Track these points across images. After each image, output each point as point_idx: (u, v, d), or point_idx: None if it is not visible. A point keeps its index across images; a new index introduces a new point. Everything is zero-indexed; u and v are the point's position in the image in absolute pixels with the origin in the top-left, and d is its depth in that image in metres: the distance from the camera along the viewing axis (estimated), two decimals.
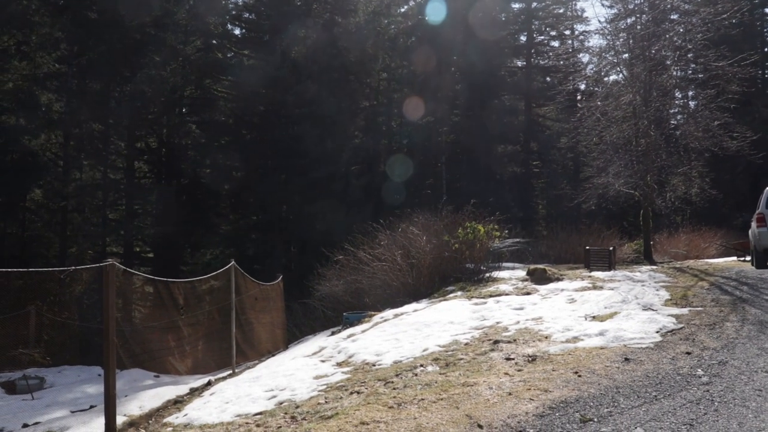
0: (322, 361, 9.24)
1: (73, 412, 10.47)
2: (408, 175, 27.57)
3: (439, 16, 33.27)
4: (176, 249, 27.52)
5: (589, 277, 13.40)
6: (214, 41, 32.91)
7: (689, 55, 18.86)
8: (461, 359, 7.10)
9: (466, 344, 8.00)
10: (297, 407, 6.40)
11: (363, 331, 10.75)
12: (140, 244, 28.76)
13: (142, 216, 28.46)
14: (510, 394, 5.44)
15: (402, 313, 11.47)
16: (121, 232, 26.86)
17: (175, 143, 29.05)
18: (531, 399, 5.24)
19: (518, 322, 8.95)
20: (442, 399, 5.45)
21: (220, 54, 32.72)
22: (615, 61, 19.20)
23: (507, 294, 11.65)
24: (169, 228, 25.73)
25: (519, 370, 6.26)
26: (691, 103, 30.81)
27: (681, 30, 18.57)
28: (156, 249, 28.11)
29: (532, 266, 14.43)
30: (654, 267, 15.68)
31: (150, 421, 8.48)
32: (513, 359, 6.75)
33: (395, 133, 37.18)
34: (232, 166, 29.75)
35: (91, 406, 10.60)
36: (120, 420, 8.15)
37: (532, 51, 38.04)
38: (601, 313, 9.11)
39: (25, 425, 9.72)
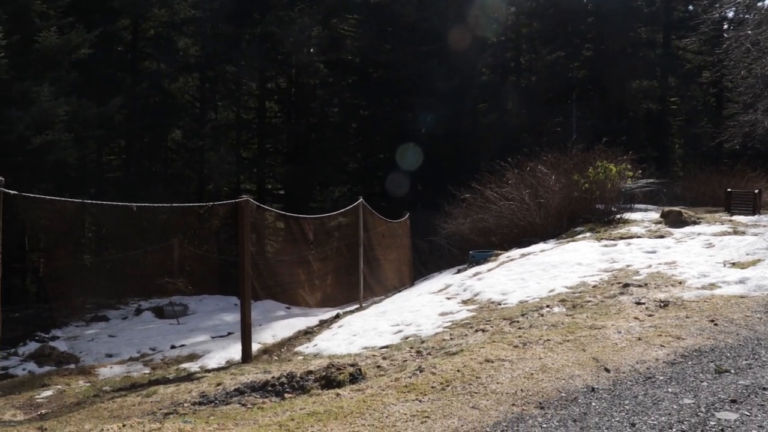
0: (448, 299, 9.33)
1: (213, 337, 11.21)
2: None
3: None
4: (306, 186, 28.29)
5: (730, 221, 12.61)
6: None
7: None
8: (589, 301, 6.94)
9: (594, 286, 7.80)
10: (422, 342, 6.52)
11: (489, 270, 10.73)
12: (272, 181, 29.80)
13: (274, 154, 29.42)
14: (639, 339, 5.27)
15: (529, 253, 11.33)
16: (254, 170, 27.89)
17: (303, 83, 29.56)
18: (662, 345, 5.05)
19: (650, 266, 8.59)
20: (568, 341, 5.37)
21: None
22: None
23: (638, 236, 11.19)
24: (299, 166, 26.50)
25: (649, 315, 6.04)
26: None
27: None
28: (287, 186, 29.04)
29: (667, 208, 13.74)
30: None
31: (282, 350, 8.92)
32: (643, 304, 6.51)
33: (524, 69, 36.08)
34: (360, 104, 30.03)
35: (229, 333, 11.29)
36: (255, 347, 8.63)
37: None
38: (742, 259, 8.55)
39: (173, 346, 10.52)
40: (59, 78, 15.38)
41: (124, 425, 4.27)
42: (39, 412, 6.03)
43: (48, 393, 7.04)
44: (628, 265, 8.80)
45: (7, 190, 5.87)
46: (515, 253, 11.95)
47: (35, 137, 13.74)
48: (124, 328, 12.82)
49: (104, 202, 8.67)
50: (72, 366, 9.72)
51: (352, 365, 5.40)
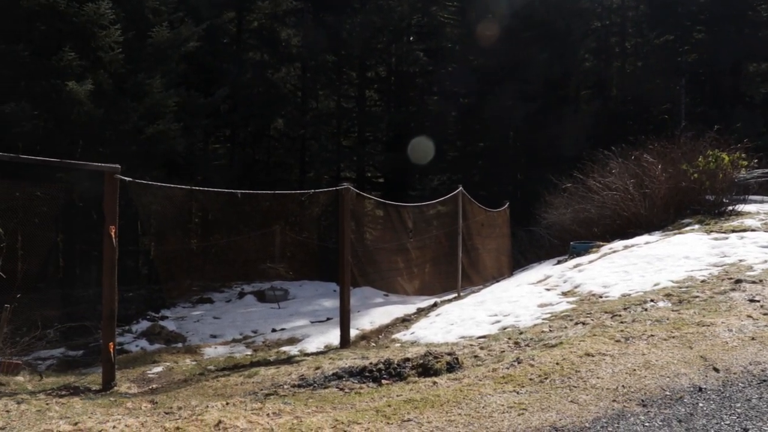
0: (547, 290, 9.14)
1: (312, 322, 11.45)
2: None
3: None
4: (405, 174, 28.38)
5: None
6: None
7: None
8: (696, 297, 6.61)
9: (703, 281, 7.41)
10: (520, 333, 6.42)
11: (590, 262, 10.44)
12: (371, 169, 30.08)
13: (373, 143, 29.67)
14: (753, 338, 4.97)
15: (632, 245, 10.94)
16: (353, 158, 28.23)
17: (403, 71, 29.63)
18: None
19: (765, 261, 8.06)
20: (673, 337, 5.14)
21: None
22: None
23: (753, 230, 10.55)
24: (399, 154, 26.61)
25: (765, 314, 5.68)
26: None
27: None
28: (386, 174, 29.24)
29: None
30: None
31: (380, 336, 9.00)
32: (758, 301, 6.13)
33: (629, 54, 34.78)
34: (459, 92, 29.80)
35: (328, 318, 11.50)
36: (353, 333, 8.75)
37: None
38: None
39: (274, 330, 10.83)
40: (169, 70, 16.07)
41: (227, 403, 4.43)
42: (150, 387, 6.34)
43: (158, 369, 7.40)
44: (740, 260, 8.32)
45: (123, 177, 6.19)
46: (618, 244, 11.57)
47: (147, 127, 14.43)
48: (228, 310, 13.30)
49: (210, 189, 9.00)
50: (179, 345, 10.19)
51: (449, 354, 5.39)
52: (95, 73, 13.80)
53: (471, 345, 6.27)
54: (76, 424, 3.91)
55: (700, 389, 4.00)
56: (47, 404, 5.04)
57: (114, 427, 3.79)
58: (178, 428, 3.73)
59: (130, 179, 6.36)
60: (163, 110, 14.80)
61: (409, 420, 3.82)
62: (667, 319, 5.74)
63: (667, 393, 3.98)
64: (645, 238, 11.59)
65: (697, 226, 11.70)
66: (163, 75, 15.29)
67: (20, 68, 13.24)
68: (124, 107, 14.25)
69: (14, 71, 13.29)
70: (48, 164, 6.51)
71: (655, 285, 7.54)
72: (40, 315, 8.58)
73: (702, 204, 13.23)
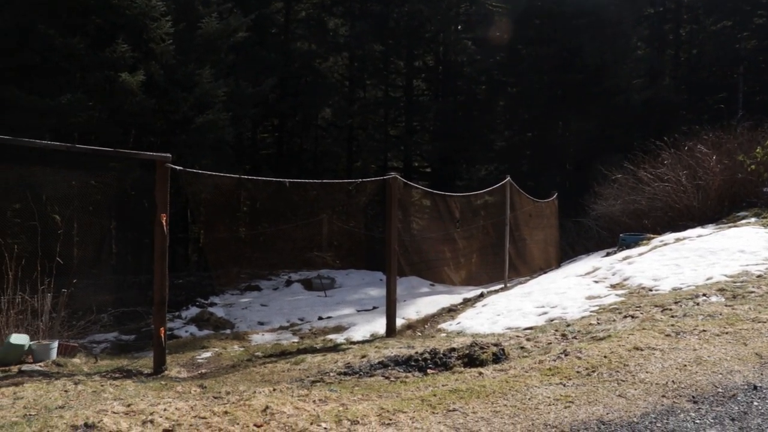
0: (595, 282, 9.02)
1: (358, 310, 11.52)
2: None
3: None
4: (452, 164, 28.24)
5: None
6: None
7: None
8: (751, 292, 6.43)
9: (759, 276, 7.21)
10: (567, 325, 6.34)
11: (640, 254, 10.26)
12: (419, 159, 30.00)
13: (421, 132, 29.57)
14: None
15: (684, 238, 10.71)
16: (401, 148, 28.18)
17: (451, 60, 29.41)
18: None
19: None
20: (726, 333, 5.01)
21: None
22: None
23: None
24: (446, 144, 26.50)
25: None
26: None
27: None
28: (433, 164, 29.14)
29: None
30: None
31: (425, 326, 9.00)
32: None
33: (684, 41, 33.87)
34: (508, 82, 29.48)
35: (374, 307, 11.56)
36: (399, 322, 8.77)
37: None
38: None
39: (320, 318, 10.93)
40: (219, 61, 16.28)
41: (274, 389, 4.48)
42: (199, 371, 6.47)
43: (207, 354, 7.54)
44: None
45: (173, 166, 6.31)
46: (669, 237, 11.35)
47: (197, 117, 14.66)
48: (275, 298, 13.47)
49: (259, 178, 9.12)
50: (228, 331, 10.36)
51: (495, 345, 5.36)
52: (147, 64, 14.08)
53: (517, 336, 6.22)
54: (129, 405, 4.01)
55: (755, 387, 3.89)
56: (102, 386, 5.19)
57: (165, 409, 3.88)
58: (226, 412, 3.80)
59: (181, 168, 6.47)
60: (212, 100, 15.01)
61: (454, 410, 3.81)
62: (720, 314, 5.60)
63: (720, 390, 3.88)
64: (698, 230, 11.34)
65: (753, 219, 11.39)
66: (213, 65, 15.49)
67: (76, 60, 13.60)
68: (174, 97, 14.50)
69: (71, 63, 13.67)
70: (102, 153, 6.67)
71: (708, 279, 7.37)
72: (94, 300, 8.82)
73: (759, 196, 12.88)
